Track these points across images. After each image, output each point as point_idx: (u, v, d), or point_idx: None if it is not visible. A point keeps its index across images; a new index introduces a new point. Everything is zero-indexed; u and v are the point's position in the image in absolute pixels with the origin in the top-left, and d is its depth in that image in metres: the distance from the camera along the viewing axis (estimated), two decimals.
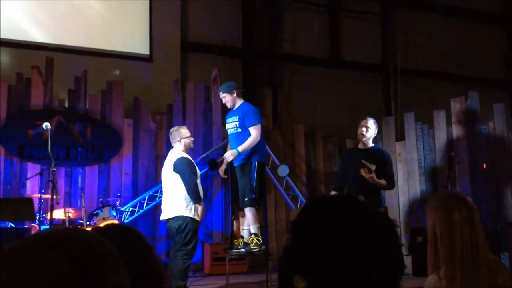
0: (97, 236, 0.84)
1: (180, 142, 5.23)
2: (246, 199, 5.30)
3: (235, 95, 5.49)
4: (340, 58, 10.17)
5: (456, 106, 7.21)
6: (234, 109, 5.51)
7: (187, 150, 5.31)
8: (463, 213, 1.92)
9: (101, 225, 5.33)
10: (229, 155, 5.33)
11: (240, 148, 5.29)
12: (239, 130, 5.41)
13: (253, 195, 5.32)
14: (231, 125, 5.49)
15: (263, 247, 5.43)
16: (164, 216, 5.24)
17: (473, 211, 1.95)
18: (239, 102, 5.51)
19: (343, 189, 5.39)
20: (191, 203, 5.06)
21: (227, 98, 5.48)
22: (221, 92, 5.55)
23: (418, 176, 7.55)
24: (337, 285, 0.83)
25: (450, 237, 1.89)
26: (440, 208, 1.95)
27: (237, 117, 5.42)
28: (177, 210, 5.08)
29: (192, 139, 5.39)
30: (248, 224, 5.36)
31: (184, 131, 5.31)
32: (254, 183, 5.35)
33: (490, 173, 6.86)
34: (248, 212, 5.33)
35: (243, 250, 5.37)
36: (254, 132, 5.36)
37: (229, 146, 5.65)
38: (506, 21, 11.37)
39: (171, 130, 5.42)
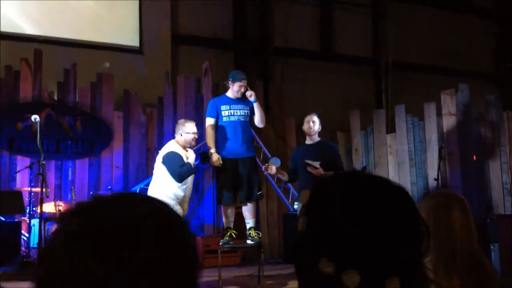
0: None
1: (181, 136, 5.12)
2: (257, 193, 5.27)
3: None
4: (331, 51, 10.16)
5: (446, 98, 7.22)
6: (236, 98, 5.31)
7: (187, 146, 5.16)
8: (462, 211, 1.97)
9: None
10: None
11: None
12: (247, 119, 5.33)
13: (261, 190, 5.35)
14: (241, 112, 5.27)
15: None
16: None
17: (469, 209, 2.02)
18: None
19: (294, 181, 5.80)
20: (168, 199, 4.87)
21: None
22: (245, 80, 5.31)
23: (408, 168, 7.59)
24: (366, 263, 0.78)
25: (450, 235, 1.94)
26: (439, 207, 1.98)
27: (249, 106, 5.32)
28: None
29: (195, 136, 5.17)
30: (251, 218, 5.33)
31: (189, 126, 5.14)
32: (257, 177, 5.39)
33: (481, 165, 6.90)
34: (254, 206, 5.34)
35: (252, 242, 5.32)
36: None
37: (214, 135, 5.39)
38: (496, 14, 11.42)
39: (179, 121, 5.35)
